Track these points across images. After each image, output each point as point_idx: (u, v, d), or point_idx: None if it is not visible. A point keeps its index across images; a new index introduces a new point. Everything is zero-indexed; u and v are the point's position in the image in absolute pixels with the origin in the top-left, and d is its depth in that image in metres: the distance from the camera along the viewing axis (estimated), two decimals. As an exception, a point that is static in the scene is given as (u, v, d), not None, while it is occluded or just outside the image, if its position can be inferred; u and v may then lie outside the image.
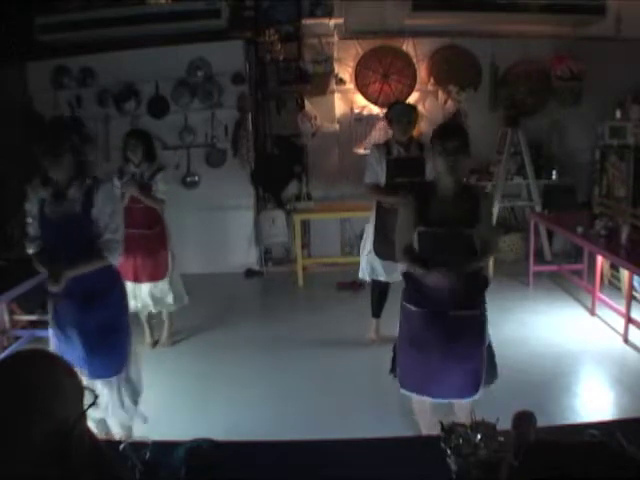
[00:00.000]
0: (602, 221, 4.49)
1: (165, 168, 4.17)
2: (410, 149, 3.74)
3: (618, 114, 5.77)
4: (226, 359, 4.00)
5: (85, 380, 2.48)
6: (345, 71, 6.16)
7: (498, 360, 2.63)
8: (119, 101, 5.88)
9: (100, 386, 2.61)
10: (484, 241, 2.43)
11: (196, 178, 6.06)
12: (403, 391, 2.58)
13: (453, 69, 6.08)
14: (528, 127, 5.99)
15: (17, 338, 4.23)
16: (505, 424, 1.55)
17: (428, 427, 2.65)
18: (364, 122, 6.19)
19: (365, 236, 4.03)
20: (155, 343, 4.32)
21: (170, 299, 4.15)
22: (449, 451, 1.46)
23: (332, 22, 5.80)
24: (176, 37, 5.62)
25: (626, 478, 0.83)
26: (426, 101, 6.25)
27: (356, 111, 6.20)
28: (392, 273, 3.77)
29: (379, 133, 6.18)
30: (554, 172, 6.10)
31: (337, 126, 6.21)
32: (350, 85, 6.19)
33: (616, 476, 0.83)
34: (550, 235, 6.03)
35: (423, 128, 6.26)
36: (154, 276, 4.06)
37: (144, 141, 4.02)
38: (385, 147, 3.78)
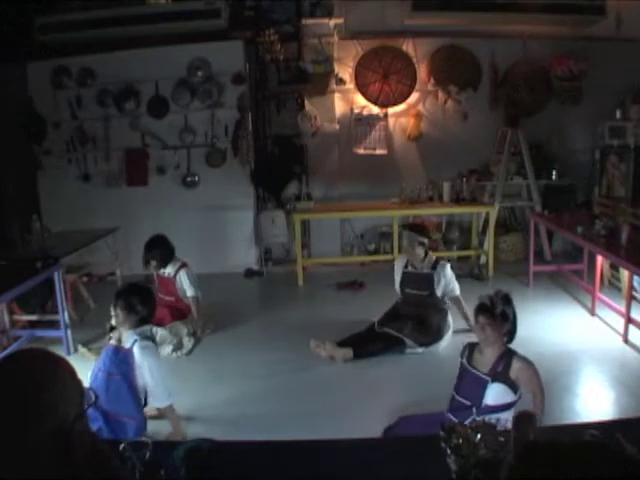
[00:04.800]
0: (602, 221, 4.49)
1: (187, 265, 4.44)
2: (423, 266, 4.15)
3: (618, 114, 5.78)
4: (225, 359, 4.01)
5: None
6: (345, 71, 6.16)
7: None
8: (119, 101, 5.88)
9: None
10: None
11: (196, 178, 6.06)
12: None
13: (453, 69, 6.08)
14: (528, 127, 5.99)
15: (17, 338, 4.23)
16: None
17: None
18: (364, 122, 6.19)
19: None
20: None
21: None
22: (449, 451, 1.46)
23: (332, 22, 5.80)
24: (176, 37, 5.62)
25: (626, 478, 0.83)
26: (426, 101, 6.26)
27: (356, 111, 6.20)
28: None
29: (379, 133, 6.20)
30: (554, 172, 6.11)
31: (337, 126, 6.21)
32: (350, 85, 6.19)
33: (616, 476, 0.83)
34: (550, 235, 6.03)
35: (423, 128, 6.28)
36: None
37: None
38: (405, 260, 4.26)
